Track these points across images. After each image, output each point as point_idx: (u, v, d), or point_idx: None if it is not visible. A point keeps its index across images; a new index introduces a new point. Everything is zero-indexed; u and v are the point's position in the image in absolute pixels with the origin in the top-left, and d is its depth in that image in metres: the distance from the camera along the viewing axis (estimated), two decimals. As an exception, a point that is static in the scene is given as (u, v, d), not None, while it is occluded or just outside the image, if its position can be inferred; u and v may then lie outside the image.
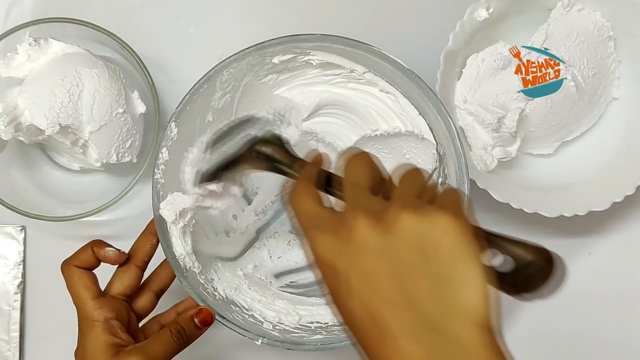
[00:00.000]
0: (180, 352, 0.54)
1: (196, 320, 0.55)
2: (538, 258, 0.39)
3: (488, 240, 0.39)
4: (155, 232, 0.57)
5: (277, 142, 0.51)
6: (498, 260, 0.39)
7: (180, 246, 0.57)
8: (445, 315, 0.36)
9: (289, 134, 0.52)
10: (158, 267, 0.60)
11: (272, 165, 0.50)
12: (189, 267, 0.57)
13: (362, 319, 0.37)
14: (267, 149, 0.51)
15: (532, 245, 0.39)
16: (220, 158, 0.53)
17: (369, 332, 0.37)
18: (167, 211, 0.55)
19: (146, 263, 0.58)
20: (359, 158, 0.42)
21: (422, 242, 0.36)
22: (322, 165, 0.46)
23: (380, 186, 0.41)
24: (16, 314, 0.68)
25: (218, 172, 0.53)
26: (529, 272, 0.39)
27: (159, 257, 0.58)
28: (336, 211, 0.40)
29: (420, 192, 0.40)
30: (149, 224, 0.58)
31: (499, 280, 0.38)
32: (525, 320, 0.70)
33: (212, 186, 0.53)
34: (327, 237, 0.38)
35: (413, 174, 0.41)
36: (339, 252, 0.38)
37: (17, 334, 0.68)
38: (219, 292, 0.60)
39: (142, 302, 0.58)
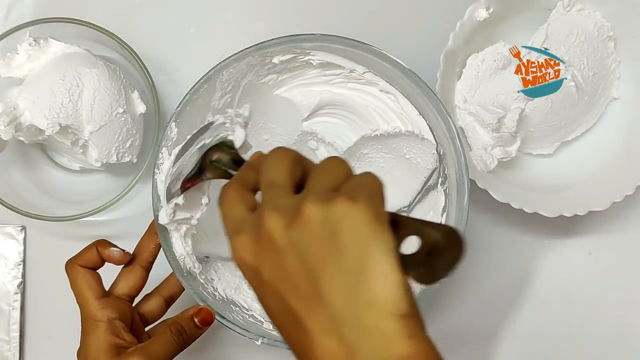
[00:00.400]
0: (181, 352, 0.54)
1: (196, 320, 0.55)
2: (441, 235, 0.37)
3: (392, 223, 0.38)
4: None
5: (226, 147, 0.51)
6: (407, 244, 0.38)
7: (181, 246, 0.57)
8: (362, 308, 0.35)
9: (236, 136, 0.50)
10: (170, 274, 0.59)
11: (224, 171, 0.50)
12: (189, 268, 0.57)
13: (280, 316, 0.38)
14: (215, 156, 0.50)
15: (434, 223, 0.38)
16: (181, 171, 0.53)
17: (289, 329, 0.37)
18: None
19: (151, 263, 0.57)
20: (275, 156, 0.41)
21: (325, 231, 0.36)
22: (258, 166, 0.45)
23: (303, 181, 0.40)
24: (16, 314, 0.68)
25: (183, 185, 0.52)
26: (434, 250, 0.37)
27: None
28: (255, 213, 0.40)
29: (336, 182, 0.38)
30: (151, 223, 0.58)
31: (404, 263, 0.36)
32: (525, 320, 0.70)
33: (178, 200, 0.53)
34: (243, 239, 0.38)
35: (327, 164, 0.40)
36: (253, 253, 0.38)
37: (17, 334, 0.68)
38: (219, 292, 0.60)
39: (150, 305, 0.58)
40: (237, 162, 0.49)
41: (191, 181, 0.52)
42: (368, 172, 0.39)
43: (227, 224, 0.41)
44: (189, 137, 0.53)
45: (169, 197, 0.54)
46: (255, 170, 0.43)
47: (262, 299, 0.39)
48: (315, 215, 0.36)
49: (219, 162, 0.50)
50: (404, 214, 0.38)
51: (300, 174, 0.40)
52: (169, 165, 0.54)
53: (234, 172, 0.49)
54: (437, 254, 0.37)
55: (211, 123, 0.52)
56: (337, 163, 0.40)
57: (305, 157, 0.41)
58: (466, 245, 0.37)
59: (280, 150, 0.41)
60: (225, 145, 0.51)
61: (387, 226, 0.36)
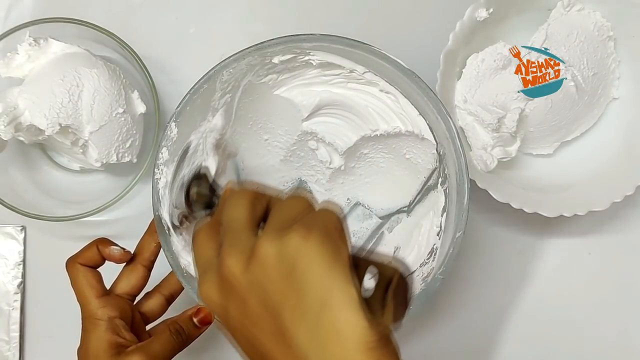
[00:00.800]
0: (180, 351, 0.54)
1: (195, 319, 0.55)
2: (396, 268, 0.38)
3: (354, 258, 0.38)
4: None
5: (202, 178, 0.50)
6: (368, 281, 0.38)
7: (188, 255, 0.57)
8: (327, 345, 0.35)
9: (209, 165, 0.50)
10: (170, 272, 0.59)
11: (209, 203, 0.49)
12: (194, 276, 0.57)
13: (250, 354, 0.38)
14: (195, 189, 0.49)
15: (384, 257, 0.38)
16: (175, 205, 0.52)
17: None
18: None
19: (152, 262, 0.57)
20: (235, 196, 0.41)
21: (282, 268, 0.36)
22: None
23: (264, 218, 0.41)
24: (16, 314, 0.68)
25: (181, 220, 0.52)
26: (391, 285, 0.37)
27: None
28: None
29: (293, 217, 0.38)
30: (152, 222, 0.58)
31: (367, 303, 0.36)
32: (525, 320, 0.70)
33: (182, 239, 0.53)
34: (208, 281, 0.39)
35: (287, 200, 0.40)
36: (218, 294, 0.38)
37: (17, 334, 0.68)
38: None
39: (151, 304, 0.58)
40: (210, 195, 0.49)
41: (187, 216, 0.52)
42: (326, 207, 0.39)
43: (197, 265, 0.41)
44: (174, 166, 0.53)
45: (175, 229, 0.54)
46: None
47: (232, 336, 0.39)
48: (269, 252, 0.36)
49: (200, 196, 0.49)
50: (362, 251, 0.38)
51: (263, 211, 0.40)
52: (167, 193, 0.54)
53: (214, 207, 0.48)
54: (394, 288, 0.37)
55: (186, 151, 0.52)
56: (296, 199, 0.40)
57: (268, 193, 0.42)
58: (412, 278, 0.37)
59: (240, 190, 0.41)
60: (193, 180, 0.50)
61: (345, 262, 0.36)
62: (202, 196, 0.49)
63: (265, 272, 0.36)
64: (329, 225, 0.37)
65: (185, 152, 0.53)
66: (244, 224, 0.39)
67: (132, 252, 0.57)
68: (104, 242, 0.56)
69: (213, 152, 0.50)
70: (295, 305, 0.35)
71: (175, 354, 0.53)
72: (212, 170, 0.50)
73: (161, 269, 0.59)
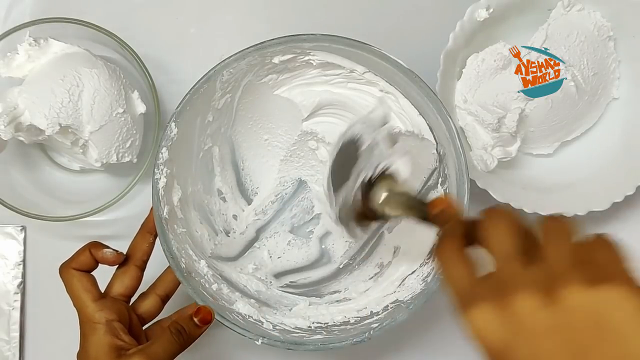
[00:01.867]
0: (182, 352, 0.54)
1: (195, 319, 0.54)
2: None
3: None
4: (151, 231, 0.57)
5: (392, 181, 0.47)
6: None
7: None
8: None
9: (400, 169, 0.47)
10: (163, 272, 0.60)
11: (405, 208, 0.46)
12: (193, 275, 0.57)
13: None
14: (383, 195, 0.46)
15: None
16: (346, 203, 0.49)
17: None
18: None
19: (145, 262, 0.57)
20: (499, 220, 0.39)
21: (597, 318, 0.34)
22: (458, 214, 0.43)
23: (526, 243, 0.38)
24: (16, 314, 0.68)
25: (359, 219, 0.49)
26: None
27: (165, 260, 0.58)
28: (490, 279, 0.38)
29: (573, 250, 0.37)
30: (143, 223, 0.58)
31: None
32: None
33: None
34: (488, 316, 0.36)
35: (557, 228, 0.38)
36: (500, 327, 0.36)
37: (17, 334, 0.68)
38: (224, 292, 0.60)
39: (146, 305, 0.58)
40: (407, 200, 0.46)
41: (366, 216, 0.49)
42: (604, 239, 0.38)
43: (456, 290, 0.39)
44: (334, 155, 0.50)
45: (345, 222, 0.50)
46: (458, 222, 0.42)
47: None
48: (584, 300, 0.35)
49: (394, 200, 0.46)
50: None
51: (524, 235, 0.39)
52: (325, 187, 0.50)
53: (409, 213, 0.46)
54: None
55: (355, 145, 0.48)
56: (563, 225, 0.38)
57: (517, 215, 0.39)
58: None
59: (500, 213, 0.39)
60: (379, 182, 0.48)
61: None
62: (395, 200, 0.47)
63: (575, 319, 0.35)
64: (627, 265, 0.37)
65: (353, 142, 0.49)
66: (521, 258, 0.37)
67: (125, 254, 0.57)
68: (96, 245, 0.56)
69: (404, 158, 0.48)
70: (610, 354, 0.34)
71: (176, 355, 0.53)
72: (404, 176, 0.47)
73: (154, 269, 0.59)
